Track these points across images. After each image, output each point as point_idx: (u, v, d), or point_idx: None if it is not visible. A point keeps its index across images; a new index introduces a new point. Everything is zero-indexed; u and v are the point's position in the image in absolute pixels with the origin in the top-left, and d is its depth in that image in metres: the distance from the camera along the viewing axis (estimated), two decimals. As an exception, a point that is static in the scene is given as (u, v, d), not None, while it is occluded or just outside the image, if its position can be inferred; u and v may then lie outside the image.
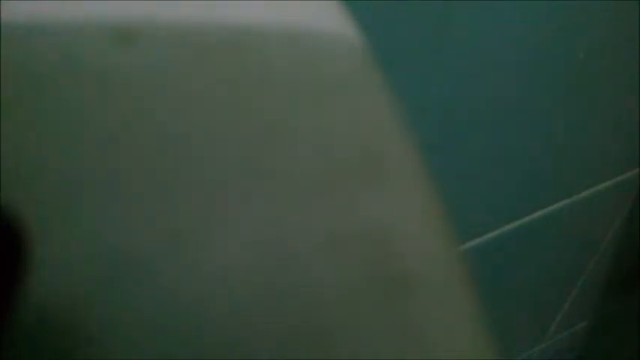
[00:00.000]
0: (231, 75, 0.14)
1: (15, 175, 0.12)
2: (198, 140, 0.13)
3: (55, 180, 0.12)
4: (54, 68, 0.12)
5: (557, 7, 0.50)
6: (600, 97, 0.62)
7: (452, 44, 0.46)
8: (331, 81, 0.15)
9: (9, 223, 0.11)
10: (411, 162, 0.15)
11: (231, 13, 0.14)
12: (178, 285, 0.12)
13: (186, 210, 0.12)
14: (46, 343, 0.11)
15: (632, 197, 0.76)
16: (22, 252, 0.11)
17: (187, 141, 0.13)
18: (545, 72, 0.55)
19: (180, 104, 0.13)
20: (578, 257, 0.79)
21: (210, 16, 0.14)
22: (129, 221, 0.12)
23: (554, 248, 0.73)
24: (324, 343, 0.13)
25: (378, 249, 0.13)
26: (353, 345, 0.13)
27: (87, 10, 0.13)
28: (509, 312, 0.75)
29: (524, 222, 0.65)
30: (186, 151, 0.13)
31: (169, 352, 0.12)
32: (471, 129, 0.53)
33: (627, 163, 0.72)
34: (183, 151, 0.13)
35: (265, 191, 0.13)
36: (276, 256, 0.13)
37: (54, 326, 0.11)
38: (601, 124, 0.65)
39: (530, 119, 0.57)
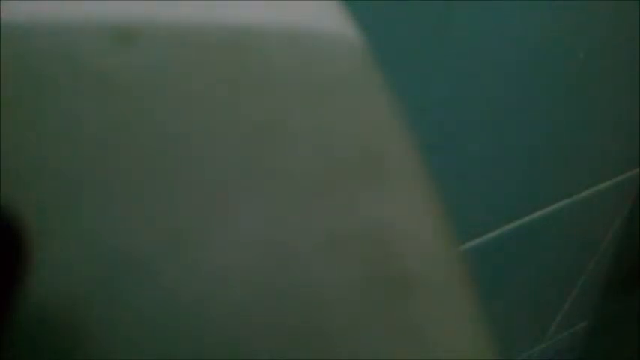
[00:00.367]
0: (231, 75, 0.14)
1: (15, 175, 0.12)
2: (198, 140, 0.13)
3: (55, 180, 0.12)
4: (54, 68, 0.12)
5: (557, 7, 0.50)
6: (600, 97, 0.62)
7: (452, 44, 0.46)
8: (331, 81, 0.15)
9: (9, 223, 0.11)
10: (411, 162, 0.15)
11: (231, 13, 0.14)
12: (178, 285, 0.12)
13: (186, 210, 0.12)
14: (46, 343, 0.11)
15: (632, 197, 0.76)
16: (22, 252, 0.11)
17: (187, 141, 0.13)
18: (545, 72, 0.54)
19: (180, 104, 0.13)
20: (578, 257, 0.79)
21: (210, 16, 0.14)
22: (129, 221, 0.12)
23: (554, 248, 0.73)
24: (324, 343, 0.13)
25: (378, 249, 0.13)
26: (353, 345, 0.13)
27: (87, 10, 0.13)
28: (509, 312, 0.75)
29: (524, 222, 0.65)
30: (186, 151, 0.13)
31: (169, 352, 0.12)
32: (471, 129, 0.53)
33: (627, 163, 0.72)
34: (183, 151, 0.13)
35: (265, 191, 0.13)
36: (276, 256, 0.13)
37: (54, 326, 0.11)
38: (601, 124, 0.65)
39: (530, 119, 0.57)
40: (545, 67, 0.54)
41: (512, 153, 0.58)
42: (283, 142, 0.14)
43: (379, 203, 0.14)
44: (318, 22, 0.15)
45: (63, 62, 0.12)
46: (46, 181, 0.12)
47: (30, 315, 0.11)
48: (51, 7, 0.13)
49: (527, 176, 0.62)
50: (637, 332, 0.81)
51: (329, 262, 0.13)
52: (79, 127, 0.12)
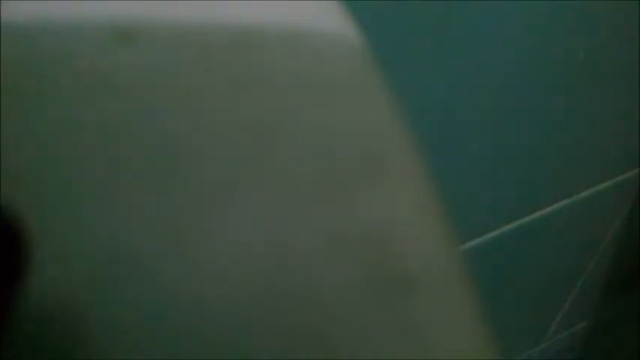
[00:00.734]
0: (231, 75, 0.14)
1: (15, 175, 0.12)
2: (198, 140, 0.13)
3: (55, 180, 0.12)
4: (54, 68, 0.12)
5: (557, 7, 0.50)
6: (600, 97, 0.62)
7: (452, 44, 0.46)
8: (331, 81, 0.15)
9: (9, 223, 0.11)
10: (411, 162, 0.15)
11: (231, 13, 0.14)
12: (178, 285, 0.12)
13: (186, 210, 0.12)
14: (46, 343, 0.11)
15: (632, 197, 0.76)
16: (22, 252, 0.11)
17: (187, 141, 0.13)
18: (545, 72, 0.54)
19: (181, 104, 0.13)
20: (578, 257, 0.79)
21: (210, 16, 0.14)
22: (129, 221, 0.12)
23: (554, 248, 0.73)
24: (324, 343, 0.13)
25: (378, 249, 0.13)
26: (353, 345, 0.13)
27: (87, 10, 0.13)
28: (509, 312, 0.76)
29: (524, 222, 0.65)
30: (187, 151, 0.13)
31: (169, 352, 0.12)
32: (471, 129, 0.53)
33: (627, 163, 0.72)
34: (183, 151, 0.13)
35: (265, 191, 0.13)
36: (276, 256, 0.13)
37: (54, 326, 0.11)
38: (601, 124, 0.65)
39: (530, 119, 0.57)
40: (545, 67, 0.54)
41: (512, 153, 0.58)
42: (283, 142, 0.14)
43: (379, 203, 0.14)
44: (318, 22, 0.15)
45: (63, 62, 0.12)
46: (46, 181, 0.12)
47: (30, 315, 0.11)
48: (51, 7, 0.13)
49: (527, 176, 0.62)
50: (637, 332, 0.81)
51: (329, 262, 0.13)
52: (79, 127, 0.12)
